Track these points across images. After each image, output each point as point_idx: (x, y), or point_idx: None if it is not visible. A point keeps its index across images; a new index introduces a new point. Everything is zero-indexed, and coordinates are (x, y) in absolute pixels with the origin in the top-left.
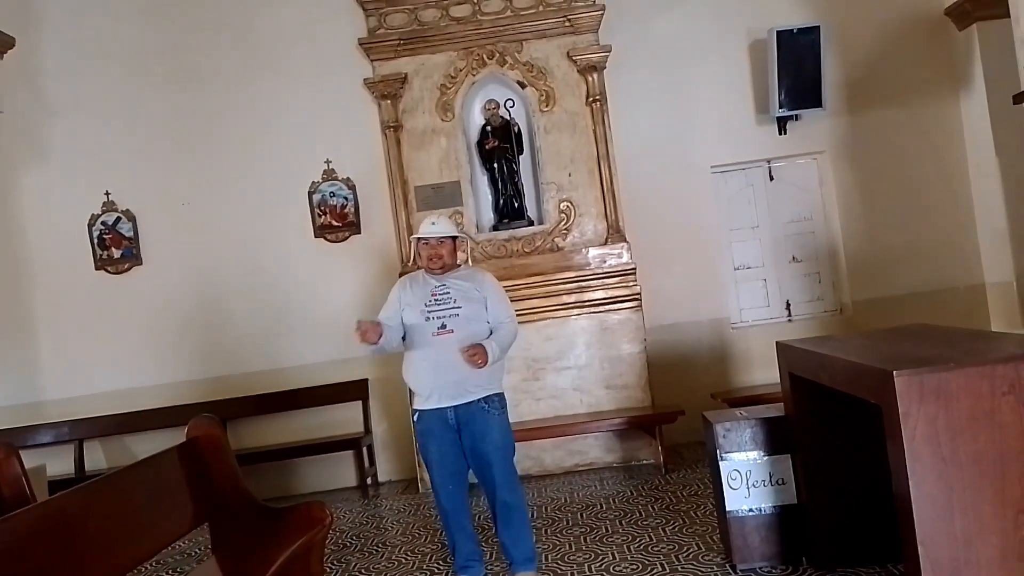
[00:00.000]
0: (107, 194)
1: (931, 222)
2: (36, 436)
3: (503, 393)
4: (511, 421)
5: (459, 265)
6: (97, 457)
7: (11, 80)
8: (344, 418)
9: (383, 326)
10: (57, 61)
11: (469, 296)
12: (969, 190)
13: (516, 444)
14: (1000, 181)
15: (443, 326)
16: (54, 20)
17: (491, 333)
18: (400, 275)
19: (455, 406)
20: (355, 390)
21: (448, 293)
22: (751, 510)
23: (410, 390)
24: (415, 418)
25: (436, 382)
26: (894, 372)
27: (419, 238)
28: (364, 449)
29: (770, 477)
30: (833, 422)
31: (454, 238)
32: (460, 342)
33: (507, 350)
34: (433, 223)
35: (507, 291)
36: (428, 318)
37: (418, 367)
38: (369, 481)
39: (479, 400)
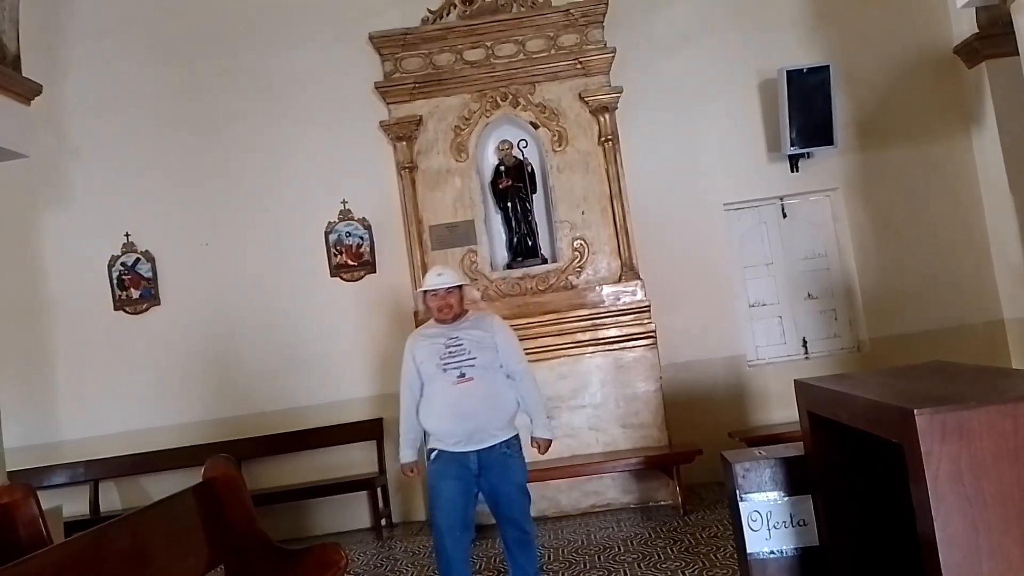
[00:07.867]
0: (127, 235)
1: (947, 258)
2: (52, 477)
3: (518, 433)
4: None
5: (466, 311)
6: (112, 498)
7: (37, 125)
8: (358, 458)
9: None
10: (81, 106)
11: (483, 344)
12: (984, 225)
13: (531, 485)
14: (1015, 216)
15: (462, 375)
16: (79, 67)
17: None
18: (415, 316)
19: (479, 451)
20: (369, 430)
21: (461, 345)
22: (772, 552)
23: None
24: (432, 456)
25: (458, 429)
26: (914, 410)
27: (426, 290)
28: (378, 490)
29: (791, 518)
30: (854, 461)
31: (460, 286)
32: (480, 389)
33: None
34: (440, 274)
35: (521, 329)
36: (445, 369)
37: (439, 414)
38: (383, 522)
39: (500, 444)
